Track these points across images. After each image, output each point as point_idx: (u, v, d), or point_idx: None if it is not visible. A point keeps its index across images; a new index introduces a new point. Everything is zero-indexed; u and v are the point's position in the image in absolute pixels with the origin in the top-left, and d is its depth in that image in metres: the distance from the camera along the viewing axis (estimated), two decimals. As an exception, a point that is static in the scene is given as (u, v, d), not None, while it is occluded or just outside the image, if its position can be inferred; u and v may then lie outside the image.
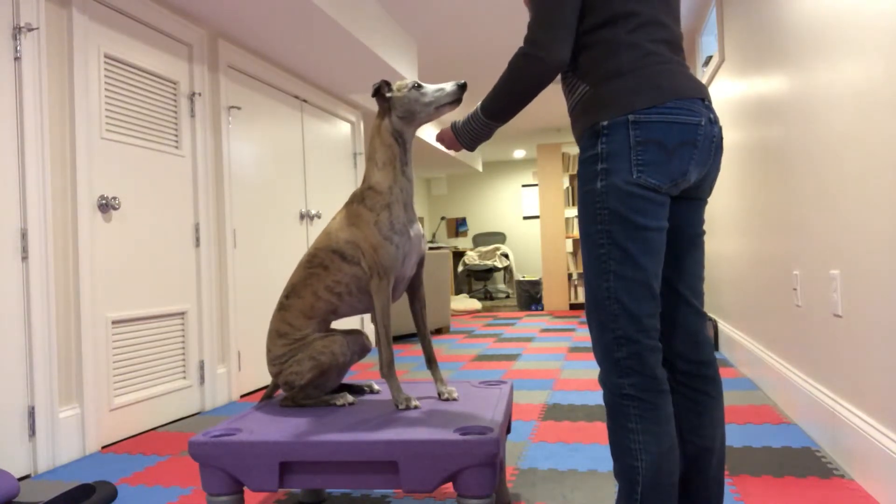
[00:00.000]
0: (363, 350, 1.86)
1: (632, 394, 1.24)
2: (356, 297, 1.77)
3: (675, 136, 1.24)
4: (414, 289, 1.85)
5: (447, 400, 1.75)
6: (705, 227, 4.87)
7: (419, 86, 1.71)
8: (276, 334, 1.79)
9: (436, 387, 1.81)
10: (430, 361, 1.83)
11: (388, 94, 1.73)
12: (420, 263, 1.83)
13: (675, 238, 1.37)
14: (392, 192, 1.73)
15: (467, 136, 1.44)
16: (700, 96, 1.29)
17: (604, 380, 1.30)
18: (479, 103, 1.42)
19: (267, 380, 3.94)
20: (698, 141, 1.26)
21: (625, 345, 1.25)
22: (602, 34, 1.28)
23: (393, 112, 1.73)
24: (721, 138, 1.33)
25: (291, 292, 1.80)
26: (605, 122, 1.26)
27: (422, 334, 1.84)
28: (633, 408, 1.24)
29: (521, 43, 5.18)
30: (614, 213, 1.25)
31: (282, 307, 1.80)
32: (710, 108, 1.31)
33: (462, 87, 1.68)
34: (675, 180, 1.26)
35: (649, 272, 1.25)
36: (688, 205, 1.38)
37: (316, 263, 1.77)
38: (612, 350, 1.26)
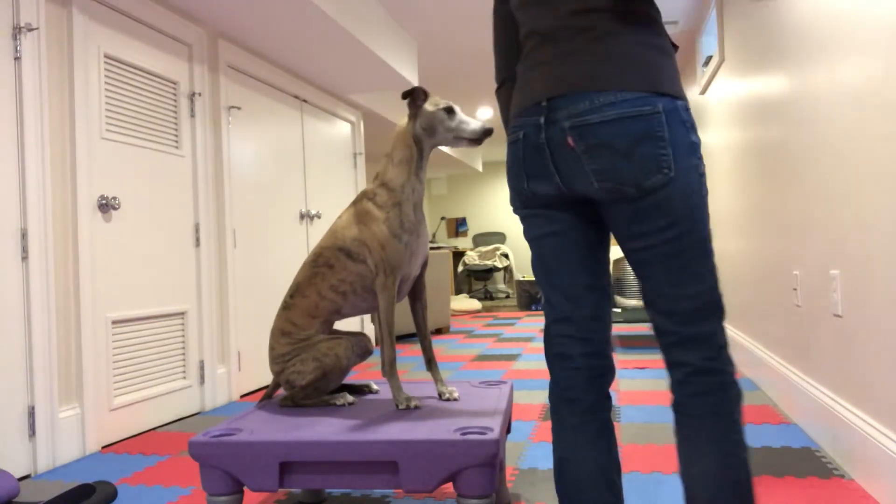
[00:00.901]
0: (365, 353, 1.87)
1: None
2: (360, 297, 1.78)
3: (509, 156, 1.25)
4: (417, 290, 1.86)
5: (448, 400, 1.75)
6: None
7: (451, 110, 1.76)
8: (279, 333, 1.80)
9: (436, 387, 1.82)
10: (430, 362, 1.84)
11: (419, 104, 1.78)
12: (423, 265, 1.84)
13: (625, 252, 1.21)
14: (404, 191, 1.76)
15: None
16: (536, 99, 1.16)
17: None
18: None
19: (267, 380, 3.94)
20: (519, 157, 1.20)
21: None
22: None
23: (417, 120, 1.78)
24: (562, 138, 1.13)
25: (296, 291, 1.81)
26: None
27: (422, 335, 1.84)
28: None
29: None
30: None
31: (286, 306, 1.81)
32: (550, 107, 1.14)
33: (486, 132, 1.73)
34: (519, 197, 1.26)
35: (543, 282, 1.28)
36: (610, 215, 1.17)
37: (321, 262, 1.78)
38: None
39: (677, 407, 1.16)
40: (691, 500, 1.12)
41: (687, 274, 1.13)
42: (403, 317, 5.60)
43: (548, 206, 1.23)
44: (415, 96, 1.76)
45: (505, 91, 1.38)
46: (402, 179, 1.76)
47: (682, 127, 1.10)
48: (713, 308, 1.14)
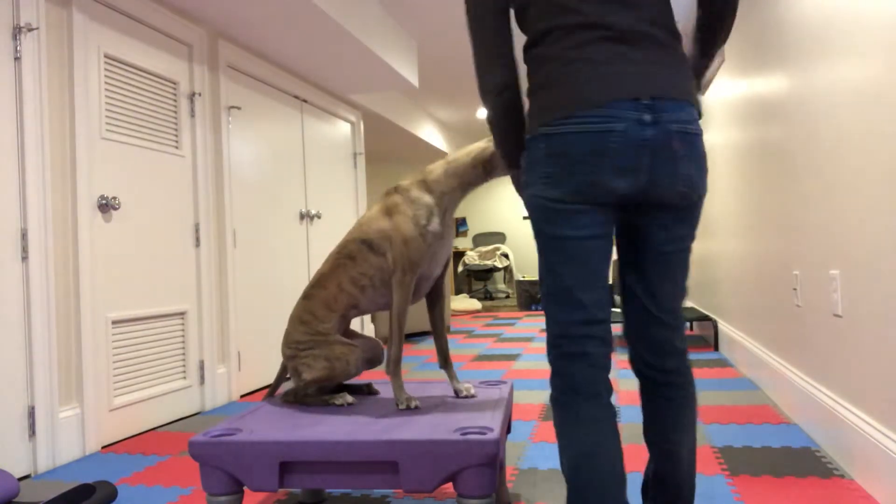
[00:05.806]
0: (374, 359, 1.88)
1: (555, 396, 1.29)
2: (378, 291, 1.78)
3: (581, 145, 1.20)
4: (437, 288, 1.86)
5: (465, 397, 1.76)
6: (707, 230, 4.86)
7: None
8: (297, 320, 1.82)
9: (451, 384, 1.82)
10: (445, 359, 1.83)
11: None
12: (445, 265, 1.84)
13: (639, 252, 1.33)
14: (442, 199, 1.73)
15: (516, 186, 1.47)
16: (634, 96, 1.20)
17: None
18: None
19: (266, 380, 3.95)
20: (610, 149, 1.19)
21: (552, 349, 1.29)
22: (533, 52, 1.32)
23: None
24: (666, 139, 1.21)
25: (317, 282, 1.82)
26: (528, 136, 1.30)
27: (438, 332, 1.85)
28: (556, 409, 1.28)
29: (521, 41, 5.18)
30: (535, 225, 1.29)
31: (306, 296, 1.83)
32: (652, 108, 1.20)
33: None
34: (582, 190, 1.21)
35: (569, 281, 1.25)
36: (652, 217, 1.29)
37: (344, 254, 1.79)
38: (547, 352, 1.31)
39: (676, 384, 1.36)
40: (679, 458, 1.37)
41: (685, 272, 1.36)
42: (409, 315, 5.59)
43: (607, 205, 1.25)
44: None
45: (509, 98, 1.33)
46: (446, 189, 1.73)
47: None
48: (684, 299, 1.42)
